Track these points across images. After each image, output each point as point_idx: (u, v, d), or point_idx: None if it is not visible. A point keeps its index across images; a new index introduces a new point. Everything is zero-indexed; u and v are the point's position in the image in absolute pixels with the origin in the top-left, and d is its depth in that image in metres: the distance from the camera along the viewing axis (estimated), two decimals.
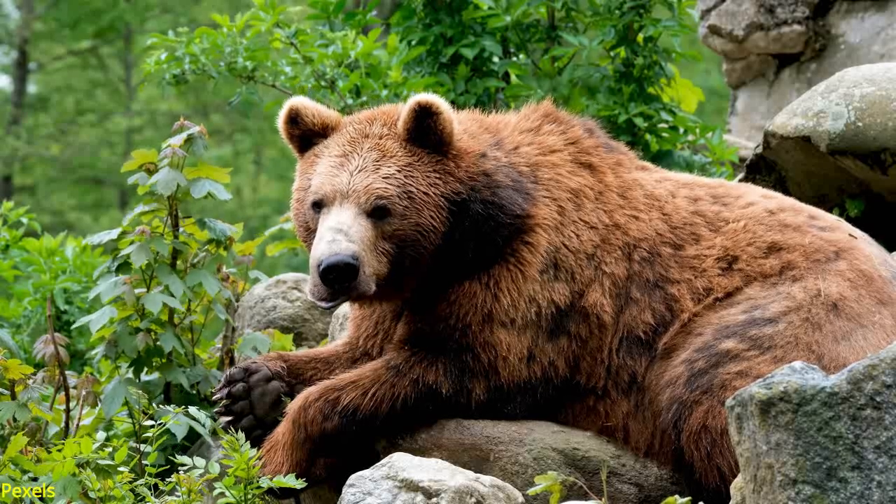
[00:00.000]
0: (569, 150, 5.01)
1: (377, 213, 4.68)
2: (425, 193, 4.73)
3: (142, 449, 4.95)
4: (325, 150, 4.86)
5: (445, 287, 4.82)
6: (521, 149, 4.96)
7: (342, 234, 4.60)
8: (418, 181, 4.73)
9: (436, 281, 4.82)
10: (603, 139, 5.11)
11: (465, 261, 4.79)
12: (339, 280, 4.55)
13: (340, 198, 4.70)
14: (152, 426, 4.84)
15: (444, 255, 4.77)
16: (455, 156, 4.81)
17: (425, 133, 4.78)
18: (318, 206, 4.76)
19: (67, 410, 5.29)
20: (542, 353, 4.78)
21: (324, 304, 4.63)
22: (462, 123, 4.93)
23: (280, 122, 4.97)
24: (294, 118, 4.93)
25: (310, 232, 4.81)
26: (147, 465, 4.77)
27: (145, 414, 5.02)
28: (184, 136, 5.42)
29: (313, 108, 4.94)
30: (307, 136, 4.95)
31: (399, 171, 4.73)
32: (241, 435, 4.37)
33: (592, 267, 4.83)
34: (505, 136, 5.00)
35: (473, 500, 4.07)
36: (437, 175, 4.76)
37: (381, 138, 4.81)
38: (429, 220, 4.71)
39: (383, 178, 4.71)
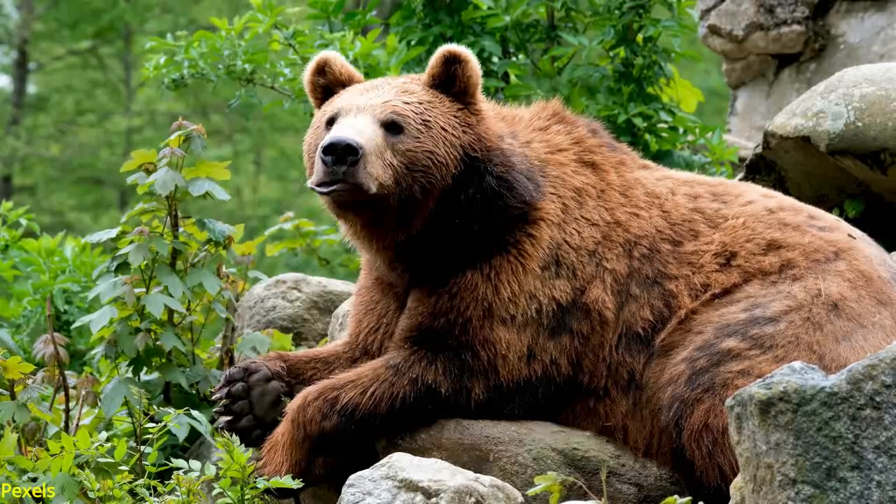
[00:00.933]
0: (574, 150, 5.05)
1: (391, 126, 4.71)
2: (443, 129, 4.77)
3: (142, 449, 4.95)
4: (345, 91, 4.96)
5: (447, 275, 4.81)
6: (532, 144, 5.01)
7: (351, 128, 4.63)
8: (437, 117, 4.78)
9: (444, 247, 4.80)
10: (606, 139, 5.14)
11: (469, 235, 4.79)
12: (337, 160, 4.54)
13: (357, 110, 4.76)
14: (153, 426, 4.84)
15: (450, 214, 4.77)
16: (476, 113, 4.87)
17: (451, 81, 4.86)
18: (332, 121, 4.81)
19: (67, 410, 5.29)
20: (542, 352, 4.78)
21: (321, 189, 4.60)
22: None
23: (307, 72, 5.05)
24: (322, 68, 5.02)
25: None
26: (147, 466, 4.76)
27: (146, 414, 5.02)
28: (181, 133, 5.42)
29: (342, 61, 5.06)
30: (331, 86, 5.01)
31: (420, 103, 4.79)
32: (236, 437, 4.36)
33: (594, 263, 4.84)
34: (519, 129, 5.05)
35: (473, 500, 4.07)
36: (457, 121, 4.81)
37: (404, 83, 4.91)
38: (443, 153, 4.74)
39: (403, 102, 4.77)
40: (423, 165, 4.70)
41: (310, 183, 4.65)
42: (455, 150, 4.76)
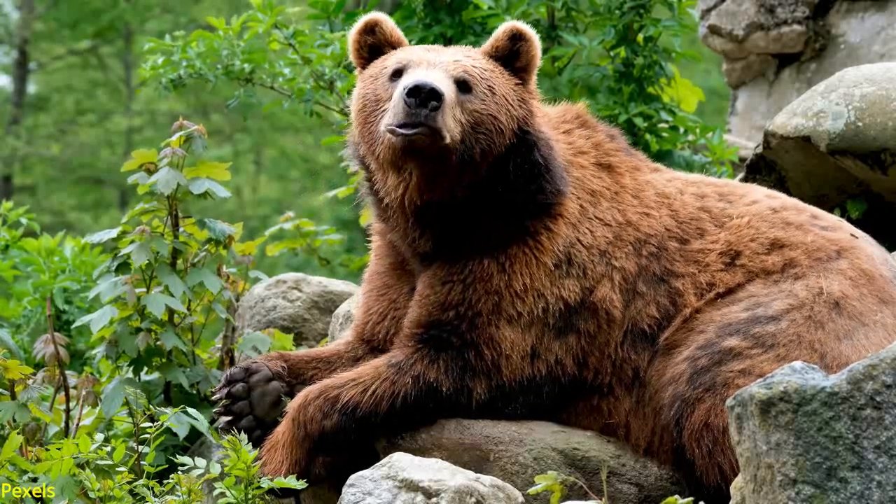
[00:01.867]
0: (593, 153, 5.10)
1: (462, 85, 4.74)
2: (505, 97, 4.81)
3: (139, 449, 4.95)
4: (403, 49, 4.96)
5: (464, 255, 4.81)
6: (559, 145, 5.04)
7: (430, 76, 4.63)
8: (500, 86, 4.82)
9: (468, 222, 4.81)
10: (623, 144, 5.20)
11: (507, 210, 4.81)
12: (422, 103, 4.56)
13: (427, 64, 4.77)
14: (151, 426, 4.84)
15: (497, 182, 4.79)
16: (530, 92, 4.93)
17: (514, 56, 4.91)
18: (399, 73, 4.80)
19: (67, 410, 5.29)
20: (547, 352, 4.78)
21: (401, 130, 4.57)
22: None
23: (353, 32, 5.02)
24: (372, 28, 5.01)
25: (380, 102, 4.80)
26: (146, 465, 4.76)
27: (145, 414, 5.02)
28: (182, 134, 5.42)
29: (393, 24, 5.06)
30: (378, 46, 5.00)
31: (485, 70, 4.82)
32: (243, 436, 4.37)
33: (604, 263, 4.86)
34: (549, 128, 5.07)
35: (473, 499, 4.07)
36: (516, 94, 4.86)
37: (464, 50, 4.94)
38: (504, 121, 4.78)
39: (472, 65, 4.80)
40: (487, 129, 4.74)
41: (385, 127, 4.63)
42: (513, 122, 4.80)
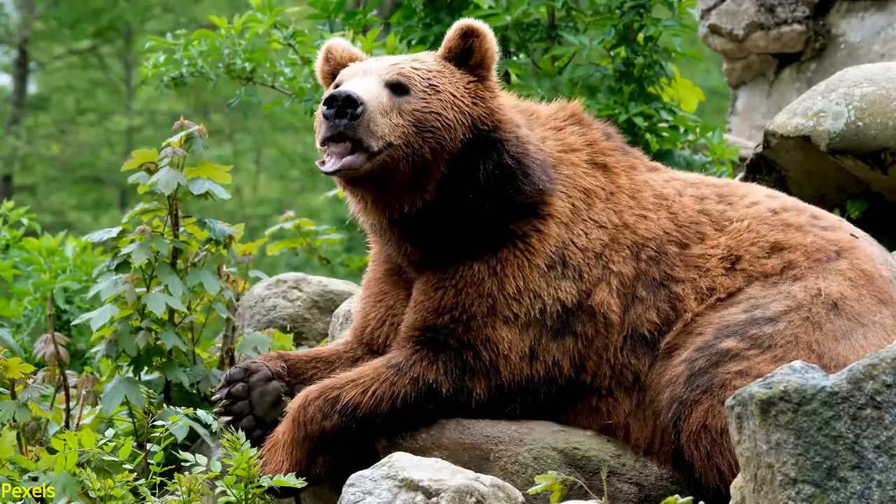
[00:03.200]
0: (586, 151, 5.04)
1: (396, 87, 4.68)
2: (452, 94, 4.73)
3: (148, 448, 4.96)
4: (349, 66, 4.94)
5: (453, 262, 4.79)
6: (547, 142, 5.00)
7: (352, 85, 4.61)
8: (446, 84, 4.75)
9: (448, 230, 4.78)
10: (619, 143, 5.14)
11: (479, 216, 4.77)
12: (338, 113, 4.49)
13: (362, 73, 4.74)
14: (159, 426, 4.85)
15: (463, 186, 4.74)
16: (490, 89, 4.85)
17: (467, 54, 4.84)
18: (338, 85, 4.79)
19: (67, 410, 5.29)
20: (545, 353, 4.77)
21: (323, 168, 4.53)
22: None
23: (317, 62, 5.06)
24: (327, 55, 5.03)
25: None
26: (151, 465, 4.77)
27: (148, 414, 5.03)
28: (183, 134, 5.43)
29: (344, 45, 5.04)
30: (337, 70, 5.00)
31: (428, 70, 4.77)
32: (242, 434, 4.38)
33: (600, 266, 4.83)
34: (535, 125, 5.05)
35: (473, 499, 4.07)
36: (468, 92, 4.79)
37: (416, 55, 4.89)
38: (452, 117, 4.70)
39: (412, 67, 4.75)
40: (432, 126, 4.67)
41: (317, 143, 4.62)
42: (464, 118, 4.73)
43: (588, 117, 5.17)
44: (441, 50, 4.89)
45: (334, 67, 5.01)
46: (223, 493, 4.37)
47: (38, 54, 24.69)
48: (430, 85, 4.72)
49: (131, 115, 23.95)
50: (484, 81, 4.85)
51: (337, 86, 4.79)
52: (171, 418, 4.85)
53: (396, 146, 4.60)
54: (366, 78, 4.69)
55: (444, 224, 4.79)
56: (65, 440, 4.53)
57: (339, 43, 5.05)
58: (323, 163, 4.58)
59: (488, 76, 4.86)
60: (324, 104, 4.52)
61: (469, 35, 4.83)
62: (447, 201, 4.76)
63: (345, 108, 4.51)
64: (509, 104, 4.96)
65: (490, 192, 4.77)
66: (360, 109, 4.51)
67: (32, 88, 25.14)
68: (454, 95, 4.74)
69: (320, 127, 4.59)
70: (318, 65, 5.06)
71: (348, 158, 4.55)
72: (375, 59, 4.92)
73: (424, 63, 4.81)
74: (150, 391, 5.19)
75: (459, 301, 4.76)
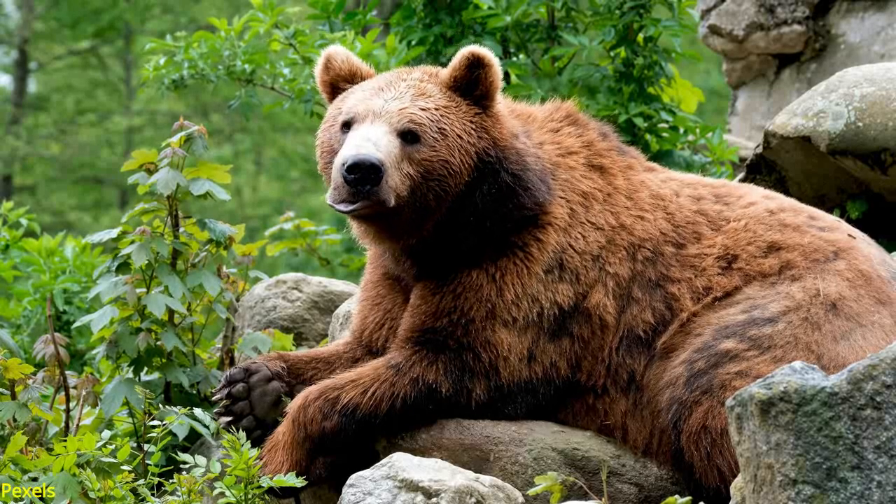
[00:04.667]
0: (583, 153, 5.04)
1: (407, 136, 4.68)
2: (459, 136, 4.73)
3: (145, 448, 4.95)
4: (358, 88, 4.90)
5: (452, 272, 4.81)
6: (544, 146, 5.00)
7: (370, 142, 4.60)
8: (453, 124, 4.75)
9: (452, 246, 4.81)
10: (616, 143, 5.14)
11: (479, 234, 4.79)
12: (361, 180, 4.53)
13: (373, 116, 4.71)
14: (157, 426, 4.84)
15: (462, 214, 4.77)
16: (493, 116, 4.84)
17: (472, 84, 4.82)
18: (348, 125, 4.76)
19: (67, 410, 5.29)
20: (543, 354, 4.78)
21: (343, 208, 4.59)
22: None
23: (317, 70, 5.04)
24: (327, 65, 5.01)
25: (334, 154, 4.78)
26: (150, 465, 4.77)
27: (148, 414, 5.02)
28: (183, 134, 5.42)
29: (344, 54, 5.02)
30: (336, 81, 4.98)
31: (436, 110, 4.75)
32: (242, 434, 4.38)
33: (597, 268, 4.84)
34: (532, 129, 5.04)
35: (473, 500, 4.07)
36: (473, 127, 4.78)
37: (420, 82, 4.85)
38: (458, 162, 4.72)
39: (420, 109, 4.73)
40: (439, 175, 4.70)
41: (330, 200, 4.62)
42: (469, 158, 4.74)
43: (583, 117, 5.16)
44: (446, 77, 4.85)
45: (333, 78, 5.00)
46: (221, 494, 4.36)
47: (38, 54, 24.69)
48: (439, 129, 4.72)
49: (131, 116, 23.95)
50: (488, 110, 4.84)
51: (347, 124, 4.76)
52: (168, 418, 4.85)
53: (404, 196, 4.64)
54: (377, 125, 4.67)
55: (444, 245, 4.83)
56: (65, 445, 4.53)
57: (338, 53, 5.02)
58: (343, 201, 4.59)
59: (492, 104, 4.85)
60: (346, 170, 4.53)
61: (476, 66, 4.81)
62: (447, 229, 4.80)
63: (368, 174, 4.53)
64: (506, 113, 4.95)
65: (490, 210, 4.80)
66: (381, 175, 4.55)
67: (32, 88, 25.13)
68: (461, 137, 4.74)
69: (341, 188, 4.57)
70: (318, 72, 5.04)
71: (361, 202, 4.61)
72: (379, 88, 4.82)
73: (431, 98, 4.78)
74: (147, 391, 5.18)
75: (458, 305, 4.77)
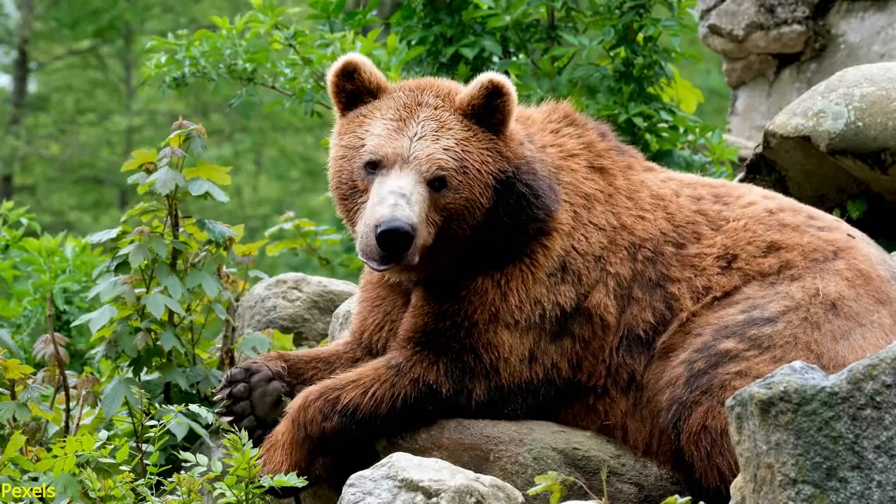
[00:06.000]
0: (584, 155, 5.05)
1: (436, 183, 4.67)
2: (478, 170, 4.74)
3: (143, 448, 4.95)
4: (377, 112, 4.82)
5: (457, 279, 4.81)
6: (547, 150, 5.01)
7: (405, 199, 4.59)
8: (473, 157, 4.74)
9: (462, 262, 4.81)
10: (614, 143, 5.14)
11: (497, 244, 4.79)
12: (394, 247, 4.53)
13: (401, 162, 4.68)
14: (154, 426, 4.84)
15: (481, 234, 4.78)
16: (508, 138, 4.83)
17: (489, 112, 4.79)
18: (374, 166, 4.72)
19: (67, 410, 5.29)
20: (543, 355, 4.78)
21: (374, 265, 4.59)
22: None
23: (332, 73, 4.89)
24: (350, 72, 4.88)
25: (356, 191, 4.75)
26: (149, 465, 4.77)
27: (146, 414, 5.02)
28: (181, 132, 5.42)
29: (371, 67, 4.92)
30: (357, 93, 4.89)
31: (457, 145, 4.73)
32: (244, 434, 4.38)
33: (599, 268, 4.84)
34: (534, 132, 5.04)
35: (473, 499, 4.07)
36: (489, 153, 4.77)
37: (436, 109, 4.81)
38: (478, 196, 4.73)
39: (444, 149, 4.71)
40: (460, 215, 4.72)
41: (362, 256, 4.61)
42: (488, 187, 4.75)
43: (581, 117, 5.16)
44: (462, 104, 4.80)
45: (359, 89, 4.88)
46: (221, 494, 4.36)
47: (38, 54, 24.68)
48: (462, 167, 4.71)
49: (131, 115, 23.95)
50: (501, 134, 4.82)
51: (373, 164, 4.70)
52: (165, 417, 4.85)
53: (428, 243, 4.66)
54: (406, 174, 4.65)
55: (458, 263, 4.83)
56: (63, 447, 4.53)
57: (365, 64, 4.89)
58: (374, 260, 4.59)
59: (506, 129, 4.83)
60: (380, 237, 4.51)
61: (495, 95, 4.78)
62: (466, 252, 4.80)
63: (401, 242, 4.53)
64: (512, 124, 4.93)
65: (506, 223, 4.79)
66: (413, 240, 4.55)
67: (32, 88, 25.13)
68: (480, 171, 4.74)
69: (373, 248, 4.54)
70: (334, 77, 4.88)
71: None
72: (401, 127, 4.75)
73: (451, 132, 4.75)
74: (144, 391, 5.18)
75: (462, 308, 4.78)
